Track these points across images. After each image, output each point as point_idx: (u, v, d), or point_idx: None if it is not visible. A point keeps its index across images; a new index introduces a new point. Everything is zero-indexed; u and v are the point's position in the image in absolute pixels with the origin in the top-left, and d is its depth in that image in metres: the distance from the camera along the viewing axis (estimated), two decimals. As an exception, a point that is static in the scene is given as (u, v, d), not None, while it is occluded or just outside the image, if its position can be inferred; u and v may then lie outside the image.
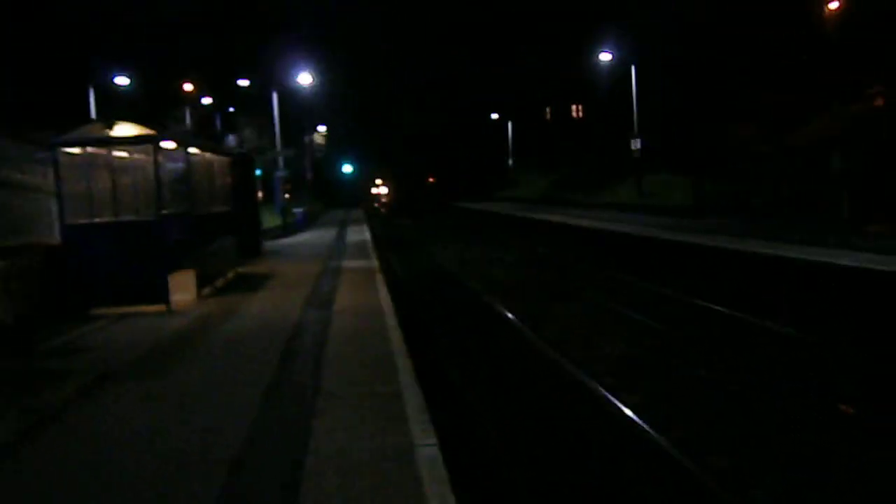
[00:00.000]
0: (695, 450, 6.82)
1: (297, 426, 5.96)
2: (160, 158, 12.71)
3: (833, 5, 30.58)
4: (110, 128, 12.30)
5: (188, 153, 13.98)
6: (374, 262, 18.35)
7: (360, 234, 30.04)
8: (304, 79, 36.61)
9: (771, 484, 6.21)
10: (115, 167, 13.15)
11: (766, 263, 14.99)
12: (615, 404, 8.24)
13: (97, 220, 12.51)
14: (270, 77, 35.94)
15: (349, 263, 18.52)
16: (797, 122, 28.62)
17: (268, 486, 4.84)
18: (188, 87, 47.66)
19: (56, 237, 12.41)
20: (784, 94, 31.14)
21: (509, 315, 13.77)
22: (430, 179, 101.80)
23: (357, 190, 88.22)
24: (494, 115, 74.77)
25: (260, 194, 27.02)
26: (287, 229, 31.64)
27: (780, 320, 11.50)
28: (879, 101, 26.01)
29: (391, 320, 10.32)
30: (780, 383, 8.73)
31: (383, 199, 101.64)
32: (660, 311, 13.24)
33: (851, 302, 12.29)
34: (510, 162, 70.92)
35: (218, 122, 49.02)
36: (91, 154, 12.79)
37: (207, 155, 15.91)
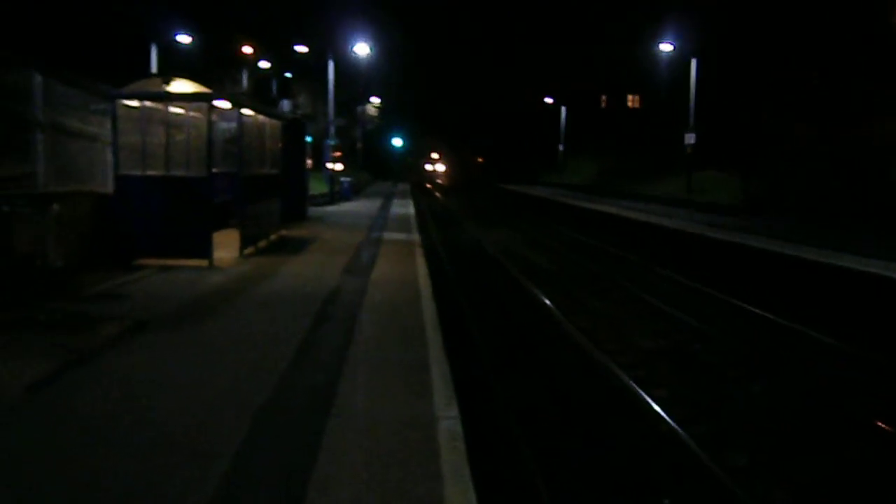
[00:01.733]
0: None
1: (323, 387, 6.08)
2: (214, 117, 12.92)
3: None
4: (167, 84, 12.53)
5: (241, 114, 14.17)
6: (416, 236, 18.45)
7: (404, 207, 30.18)
8: (361, 49, 36.71)
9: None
10: (170, 123, 13.42)
11: (811, 269, 14.67)
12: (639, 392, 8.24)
13: (149, 172, 12.80)
14: (328, 45, 36.10)
15: (391, 235, 18.65)
16: (859, 127, 27.78)
17: (288, 443, 4.96)
18: (247, 49, 48.21)
19: (108, 187, 12.73)
20: (847, 99, 30.23)
21: (542, 297, 13.76)
22: (479, 160, 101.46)
23: (405, 164, 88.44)
24: (549, 100, 73.99)
25: (309, 161, 27.24)
26: (333, 197, 31.93)
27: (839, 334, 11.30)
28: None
29: (426, 293, 10.40)
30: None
31: (440, 176, 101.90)
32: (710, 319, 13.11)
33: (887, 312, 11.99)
34: (561, 147, 70.26)
35: (274, 87, 49.50)
36: (148, 108, 13.05)
37: (260, 117, 16.10)
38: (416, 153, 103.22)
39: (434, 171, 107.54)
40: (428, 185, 77.02)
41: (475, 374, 8.91)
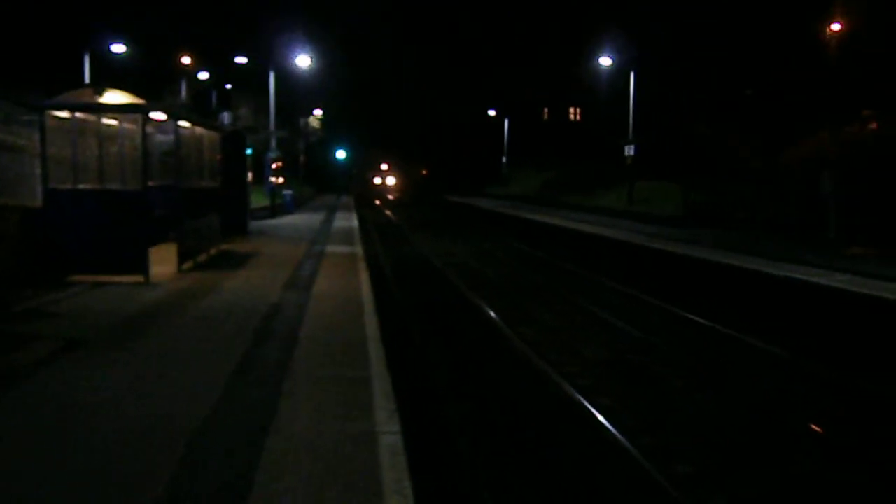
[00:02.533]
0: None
1: (262, 406, 5.92)
2: (149, 129, 12.61)
3: (835, 27, 30.71)
4: (100, 94, 12.19)
5: (178, 126, 13.88)
6: (359, 249, 18.30)
7: (347, 220, 29.96)
8: (303, 61, 36.43)
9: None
10: (104, 135, 13.04)
11: (746, 277, 15.05)
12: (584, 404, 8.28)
13: (81, 186, 12.39)
14: (268, 57, 35.72)
15: (333, 248, 18.46)
16: (792, 140, 28.75)
17: (224, 465, 4.80)
18: (186, 60, 47.33)
19: (38, 200, 12.28)
20: (781, 112, 31.28)
21: (487, 309, 13.78)
22: (424, 172, 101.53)
23: (350, 176, 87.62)
24: (492, 112, 74.69)
25: (250, 175, 26.83)
26: (275, 211, 31.50)
27: (753, 333, 11.57)
28: (873, 126, 26.17)
29: (368, 307, 10.29)
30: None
31: (391, 190, 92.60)
32: (630, 316, 13.30)
33: (824, 319, 12.37)
34: (504, 159, 70.90)
35: (213, 98, 48.66)
36: (80, 120, 12.66)
37: (198, 129, 15.80)
38: (363, 165, 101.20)
39: (384, 183, 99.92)
40: (377, 202, 66.00)
41: (419, 389, 8.82)
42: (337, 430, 5.38)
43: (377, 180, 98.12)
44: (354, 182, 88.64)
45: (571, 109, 76.52)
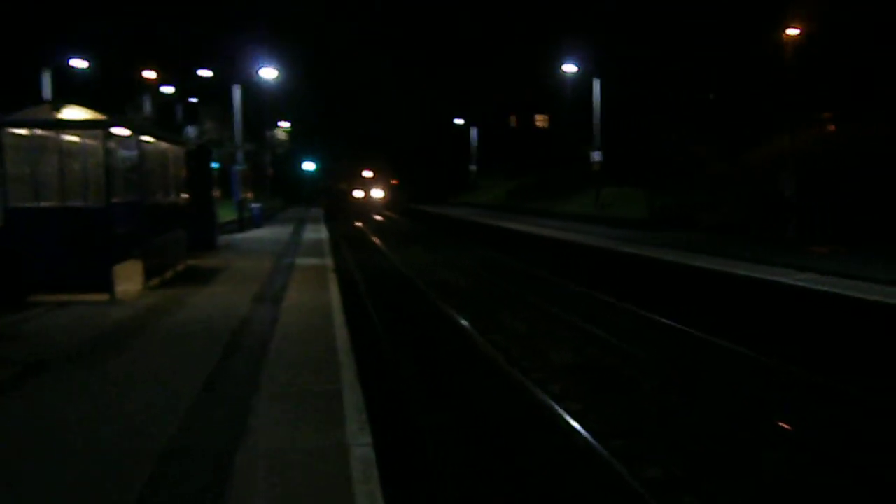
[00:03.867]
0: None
1: (231, 422, 5.86)
2: (112, 145, 12.42)
3: (792, 31, 31.35)
4: (59, 110, 12.00)
5: (141, 141, 13.70)
6: (328, 261, 18.21)
7: (316, 232, 29.80)
8: (268, 73, 36.23)
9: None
10: (65, 151, 12.83)
11: (711, 278, 15.26)
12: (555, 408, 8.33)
13: (43, 204, 12.18)
14: (233, 69, 35.49)
15: (303, 261, 18.35)
16: (753, 143, 29.26)
17: (194, 483, 4.74)
18: (149, 74, 46.82)
19: (-1, 220, 12.05)
20: (742, 116, 31.83)
21: (458, 318, 13.81)
22: (393, 182, 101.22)
23: (317, 188, 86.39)
24: (459, 121, 74.88)
25: (217, 193, 26.55)
26: (243, 224, 31.22)
27: (721, 333, 11.74)
28: (831, 128, 26.75)
29: (339, 319, 10.24)
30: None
31: (377, 204, 73.89)
32: (595, 318, 13.43)
33: (787, 318, 12.58)
34: (472, 168, 71.09)
35: (178, 113, 48.21)
36: (40, 136, 12.44)
37: (162, 144, 15.61)
38: (336, 175, 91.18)
39: (367, 197, 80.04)
40: (356, 223, 48.78)
41: (390, 400, 8.81)
42: (308, 444, 5.35)
43: (358, 193, 77.73)
44: (325, 195, 78.92)
45: (538, 117, 77.01)
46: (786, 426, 7.86)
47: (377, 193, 76.41)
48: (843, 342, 11.18)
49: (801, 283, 13.10)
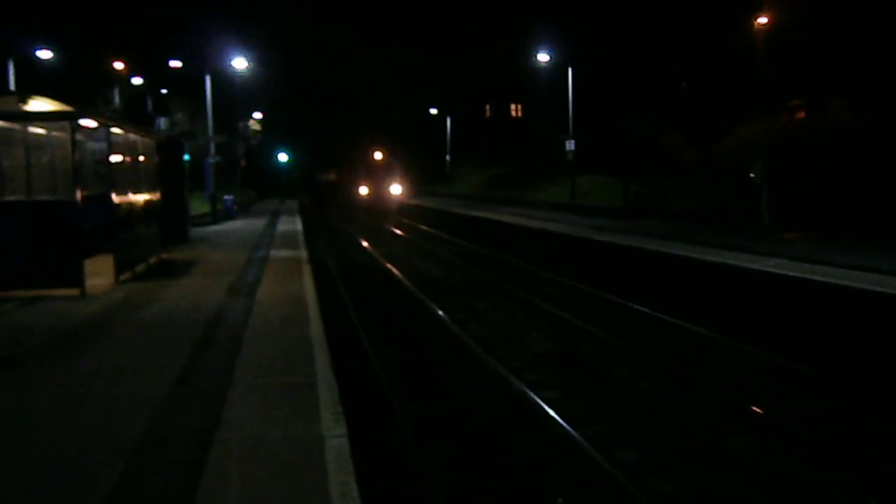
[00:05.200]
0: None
1: (205, 415, 5.82)
2: (80, 137, 12.23)
3: (762, 20, 31.65)
4: (24, 102, 11.77)
5: (110, 133, 13.49)
6: (303, 252, 18.11)
7: (291, 224, 29.61)
8: (239, 63, 35.84)
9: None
10: (32, 144, 12.61)
11: (685, 266, 15.41)
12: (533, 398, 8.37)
13: (9, 198, 11.97)
14: (204, 60, 35.05)
15: (277, 253, 18.23)
16: (726, 131, 29.52)
17: (166, 476, 4.71)
18: (119, 65, 46.09)
19: (-37, 214, 11.81)
20: (715, 104, 32.09)
21: (434, 308, 13.82)
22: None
23: (292, 179, 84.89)
24: (433, 111, 74.68)
25: (189, 185, 26.23)
26: (216, 217, 30.95)
27: (693, 319, 11.88)
28: (801, 115, 27.06)
29: (313, 310, 10.20)
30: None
31: (392, 204, 44.47)
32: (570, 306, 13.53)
33: (759, 302, 12.75)
34: (448, 158, 70.98)
35: (149, 104, 47.53)
36: (5, 129, 12.22)
37: (132, 136, 15.38)
38: (325, 161, 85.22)
39: (375, 193, 45.81)
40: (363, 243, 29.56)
41: (366, 391, 8.81)
42: (283, 436, 5.33)
43: (363, 189, 46.20)
44: (305, 189, 65.51)
45: (513, 106, 77.05)
46: (757, 409, 7.98)
47: (395, 189, 44.58)
48: (810, 325, 11.37)
49: (770, 269, 13.28)
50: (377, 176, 43.78)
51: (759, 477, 6.56)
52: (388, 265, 20.50)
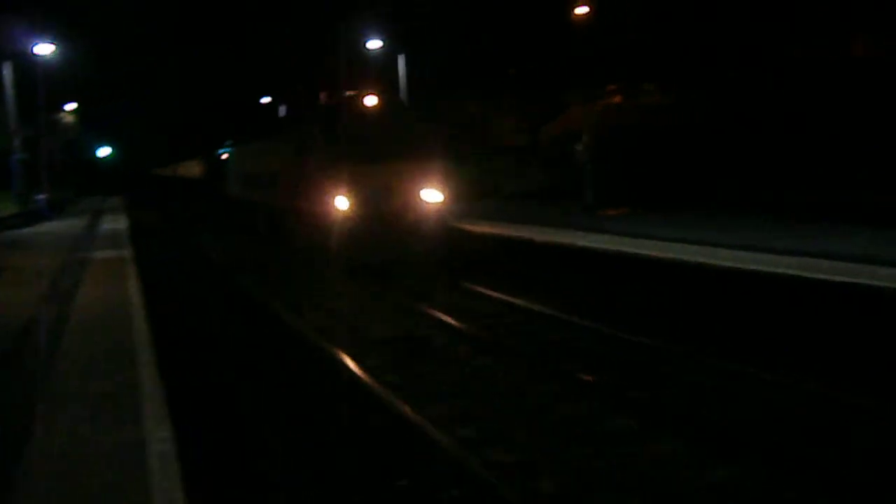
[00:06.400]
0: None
1: (14, 431, 5.40)
2: None
3: (581, 10, 33.36)
4: None
5: None
6: (127, 252, 17.10)
7: (115, 223, 27.84)
8: (43, 49, 32.91)
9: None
10: None
11: (517, 245, 16.06)
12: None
13: None
14: (5, 47, 31.92)
15: (99, 254, 17.09)
16: (551, 115, 30.99)
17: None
18: None
19: None
20: (541, 90, 33.58)
21: (265, 299, 13.55)
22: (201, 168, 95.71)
23: (119, 175, 79.45)
24: (266, 99, 72.60)
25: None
26: (29, 218, 28.49)
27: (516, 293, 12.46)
28: (617, 99, 28.89)
29: (138, 312, 9.70)
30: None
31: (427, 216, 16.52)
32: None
33: (586, 276, 13.58)
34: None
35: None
36: None
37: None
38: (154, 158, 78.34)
39: (397, 201, 14.89)
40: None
41: (195, 391, 8.51)
42: (103, 444, 5.06)
43: (341, 201, 14.65)
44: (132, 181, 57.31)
45: (349, 93, 76.28)
46: (574, 369, 8.51)
47: (430, 195, 15.40)
48: (628, 293, 12.26)
49: (591, 245, 14.13)
50: (384, 162, 15.60)
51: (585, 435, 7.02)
52: (222, 262, 19.77)
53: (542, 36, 34.99)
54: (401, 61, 38.16)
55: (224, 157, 34.20)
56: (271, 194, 20.31)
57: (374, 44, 42.20)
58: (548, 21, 34.49)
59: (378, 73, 46.80)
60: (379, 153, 15.36)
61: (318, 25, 66.17)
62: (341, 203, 14.94)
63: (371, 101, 17.03)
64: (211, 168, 40.64)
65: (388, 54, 42.08)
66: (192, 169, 52.65)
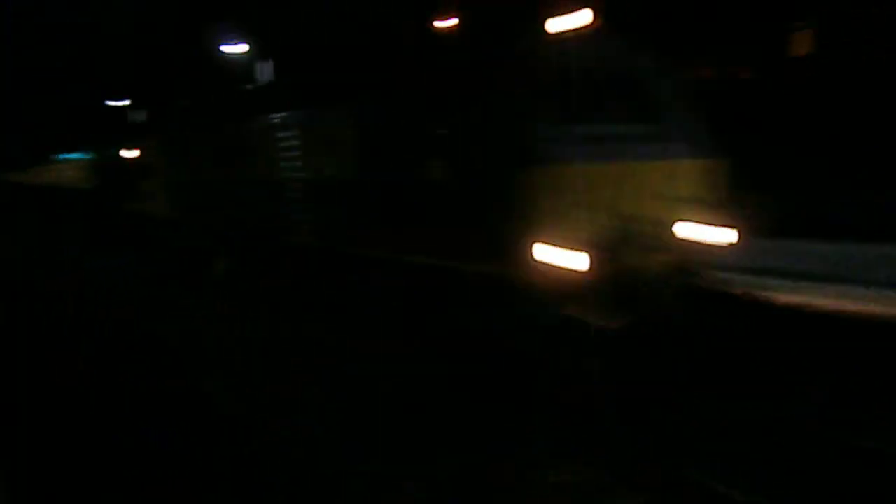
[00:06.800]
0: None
1: None
2: None
3: (445, 23, 33.48)
4: None
5: None
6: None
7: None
8: None
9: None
10: None
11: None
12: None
13: None
14: None
15: None
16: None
17: None
18: None
19: None
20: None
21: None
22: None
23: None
24: (125, 101, 68.49)
25: None
26: None
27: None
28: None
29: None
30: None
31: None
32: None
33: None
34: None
35: None
36: None
37: None
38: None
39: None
40: None
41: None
42: None
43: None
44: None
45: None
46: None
47: (715, 234, 7.75)
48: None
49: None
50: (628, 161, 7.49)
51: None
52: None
53: (412, 42, 34.90)
54: (270, 67, 37.17)
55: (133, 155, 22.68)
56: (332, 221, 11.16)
57: (240, 48, 40.84)
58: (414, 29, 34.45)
59: (249, 75, 45.48)
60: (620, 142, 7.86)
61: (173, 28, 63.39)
62: (575, 259, 7.12)
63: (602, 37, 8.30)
64: (104, 173, 27.88)
65: (250, 59, 40.87)
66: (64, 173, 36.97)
